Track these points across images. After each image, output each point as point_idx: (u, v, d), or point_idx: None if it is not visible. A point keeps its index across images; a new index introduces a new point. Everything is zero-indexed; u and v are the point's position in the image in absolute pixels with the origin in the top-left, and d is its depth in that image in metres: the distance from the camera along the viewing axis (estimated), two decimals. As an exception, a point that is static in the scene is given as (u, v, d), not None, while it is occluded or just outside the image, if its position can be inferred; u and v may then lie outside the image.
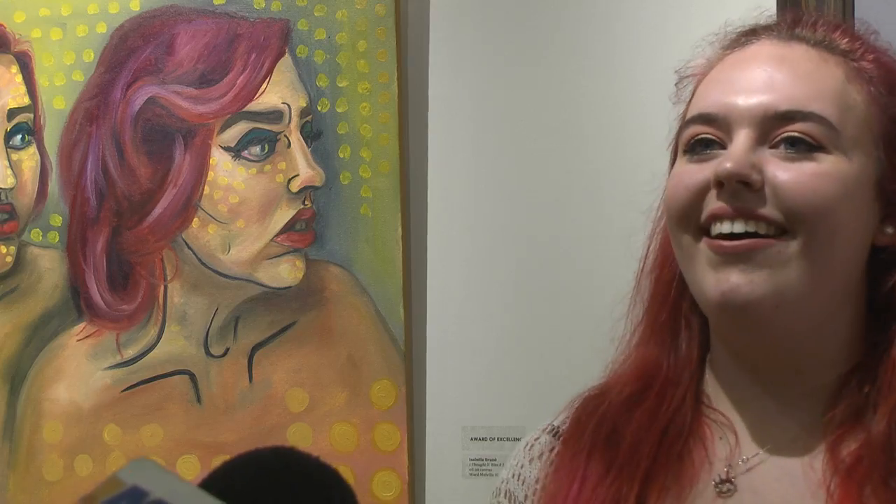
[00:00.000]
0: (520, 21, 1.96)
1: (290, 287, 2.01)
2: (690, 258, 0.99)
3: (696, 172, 0.99)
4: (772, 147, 0.97)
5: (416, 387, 1.96)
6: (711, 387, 1.05)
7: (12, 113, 2.18)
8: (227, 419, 2.02)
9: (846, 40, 1.03)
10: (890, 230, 1.01)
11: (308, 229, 2.00)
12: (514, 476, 1.11)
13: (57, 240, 2.14)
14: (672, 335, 1.07)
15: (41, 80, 2.17)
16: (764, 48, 1.02)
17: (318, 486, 0.98)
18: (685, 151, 1.02)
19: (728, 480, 1.00)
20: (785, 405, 1.00)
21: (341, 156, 2.00)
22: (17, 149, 2.18)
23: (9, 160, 2.17)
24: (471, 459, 1.93)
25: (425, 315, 1.97)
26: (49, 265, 2.15)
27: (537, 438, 1.12)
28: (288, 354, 2.01)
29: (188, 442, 2.04)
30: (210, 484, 0.94)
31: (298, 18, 2.03)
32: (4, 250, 2.17)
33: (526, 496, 1.09)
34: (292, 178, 2.01)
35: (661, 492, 1.00)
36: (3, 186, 2.17)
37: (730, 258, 0.95)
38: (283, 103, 2.02)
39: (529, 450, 1.12)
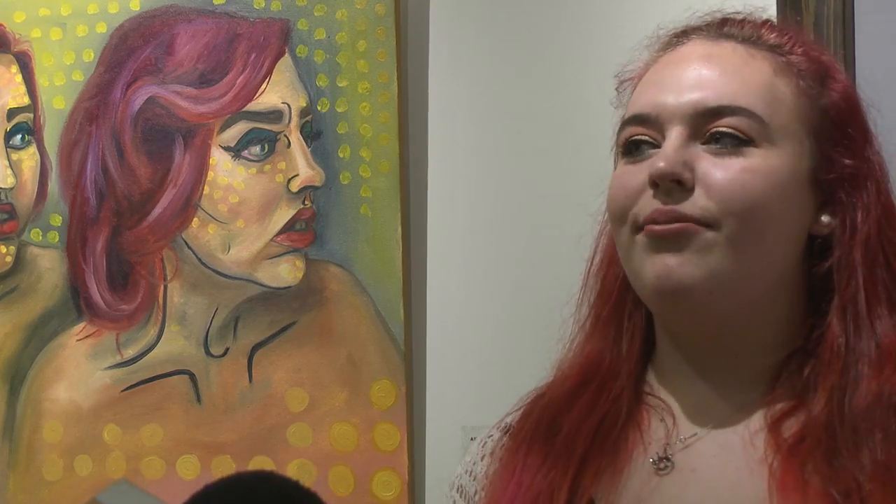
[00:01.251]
0: (520, 21, 1.96)
1: (290, 287, 2.01)
2: (629, 251, 1.02)
3: (634, 174, 1.03)
4: (703, 143, 1.00)
5: (416, 387, 1.96)
6: (654, 377, 1.08)
7: (12, 113, 2.18)
8: (227, 419, 2.02)
9: (774, 35, 1.06)
10: (825, 219, 1.03)
11: (308, 229, 2.00)
12: (466, 472, 1.15)
13: (57, 240, 2.14)
14: (615, 330, 1.10)
15: (41, 80, 2.17)
16: (694, 48, 1.06)
17: None
18: (622, 154, 1.06)
19: (665, 458, 1.02)
20: (723, 388, 1.03)
21: (341, 156, 2.00)
22: (17, 149, 2.18)
23: (9, 160, 2.17)
24: (471, 459, 1.93)
25: (425, 315, 1.97)
26: (49, 265, 2.15)
27: (490, 436, 1.16)
28: (288, 354, 2.01)
29: (188, 442, 2.04)
30: None
31: (298, 18, 2.03)
32: (4, 250, 2.17)
33: (476, 491, 1.12)
34: (292, 177, 2.01)
35: (596, 476, 1.02)
36: (2, 186, 2.17)
37: (663, 243, 0.99)
38: (282, 103, 2.02)
39: (482, 447, 1.15)
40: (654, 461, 1.02)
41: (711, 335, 1.02)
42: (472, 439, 1.93)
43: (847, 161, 1.02)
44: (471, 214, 1.97)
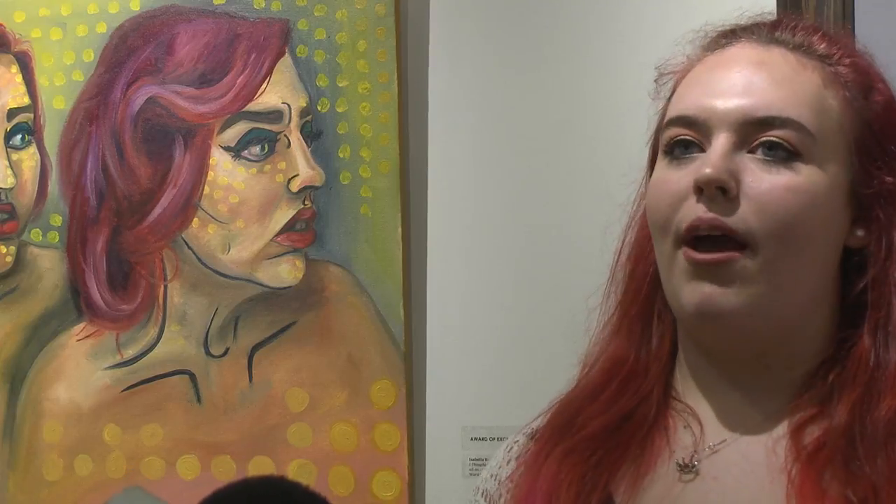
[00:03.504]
0: (519, 21, 1.96)
1: (289, 287, 2.01)
2: (669, 265, 1.01)
3: (677, 180, 1.01)
4: (750, 151, 0.99)
5: (416, 387, 1.96)
6: (680, 380, 1.07)
7: (12, 113, 2.18)
8: (227, 419, 2.02)
9: (824, 45, 1.05)
10: (860, 232, 1.02)
11: (308, 229, 2.00)
12: (491, 476, 1.14)
13: (57, 240, 2.14)
14: (643, 329, 1.09)
15: (41, 80, 2.17)
16: (743, 51, 1.04)
17: None
18: (665, 153, 1.04)
19: (690, 465, 1.02)
20: (752, 396, 1.03)
21: (341, 156, 2.00)
22: (17, 149, 2.18)
23: (9, 160, 2.17)
24: (471, 459, 1.93)
25: (425, 315, 1.97)
26: (49, 265, 2.15)
27: (516, 441, 1.14)
28: (288, 354, 2.01)
29: (188, 442, 2.04)
30: None
31: (298, 18, 2.03)
32: (4, 250, 2.17)
33: (500, 495, 1.11)
34: (292, 177, 2.01)
35: (622, 479, 1.02)
36: (3, 186, 2.17)
37: (703, 270, 0.98)
38: (283, 103, 2.02)
39: (508, 451, 1.14)
40: (679, 468, 1.02)
41: (745, 352, 1.02)
42: (472, 439, 1.94)
43: (888, 178, 1.02)
44: (471, 214, 1.97)
